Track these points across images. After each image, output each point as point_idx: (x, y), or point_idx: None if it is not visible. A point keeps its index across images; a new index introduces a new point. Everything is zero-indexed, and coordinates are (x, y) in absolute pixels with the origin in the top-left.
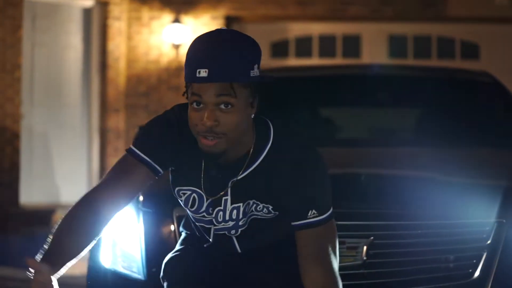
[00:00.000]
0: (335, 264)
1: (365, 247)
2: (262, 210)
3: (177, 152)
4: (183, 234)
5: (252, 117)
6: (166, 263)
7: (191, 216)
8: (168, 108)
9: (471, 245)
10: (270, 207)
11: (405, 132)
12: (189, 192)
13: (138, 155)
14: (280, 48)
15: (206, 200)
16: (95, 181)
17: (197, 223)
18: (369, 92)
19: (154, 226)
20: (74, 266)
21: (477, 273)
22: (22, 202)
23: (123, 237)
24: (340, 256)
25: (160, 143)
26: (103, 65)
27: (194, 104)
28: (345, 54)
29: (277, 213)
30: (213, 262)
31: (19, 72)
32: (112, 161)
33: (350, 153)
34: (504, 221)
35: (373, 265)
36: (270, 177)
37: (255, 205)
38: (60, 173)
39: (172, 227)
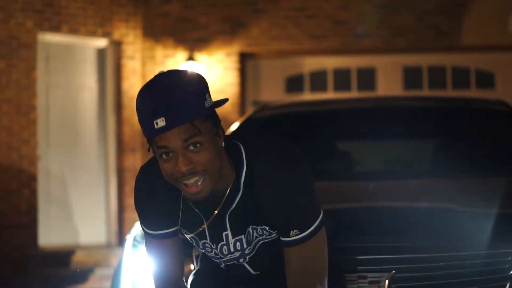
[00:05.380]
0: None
1: (387, 282)
2: (263, 232)
3: (170, 208)
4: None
5: (223, 145)
6: (191, 284)
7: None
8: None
9: (493, 276)
10: (267, 228)
11: (423, 163)
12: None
13: (154, 234)
14: (295, 83)
15: (200, 241)
16: (114, 221)
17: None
18: (385, 124)
19: None
20: None
21: None
22: (41, 244)
23: (142, 277)
24: None
25: (156, 213)
26: (119, 105)
27: (163, 155)
28: (360, 87)
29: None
30: (232, 283)
31: (34, 114)
32: (131, 201)
33: (368, 186)
34: None
35: None
36: (256, 199)
37: (254, 231)
38: (78, 214)
39: (192, 266)
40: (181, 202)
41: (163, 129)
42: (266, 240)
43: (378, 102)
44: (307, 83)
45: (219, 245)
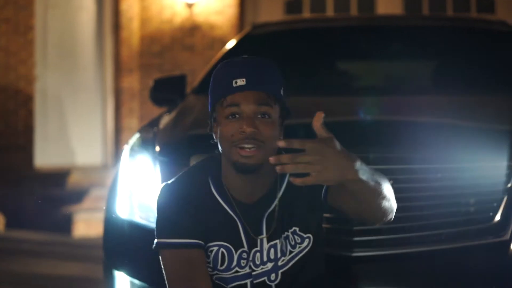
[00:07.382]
0: None
1: None
2: (295, 240)
3: (199, 216)
4: None
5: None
6: None
7: (223, 282)
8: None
9: (491, 189)
10: (297, 229)
11: (423, 81)
12: (216, 248)
13: (180, 243)
14: (294, 4)
15: (236, 252)
16: (110, 142)
17: (229, 286)
18: (385, 43)
19: (171, 175)
20: (89, 227)
21: (497, 217)
22: (37, 164)
23: (140, 188)
24: None
25: (185, 218)
26: (116, 26)
27: (230, 116)
28: (360, 9)
29: (310, 235)
30: None
31: (32, 34)
32: (128, 122)
33: (367, 100)
34: None
35: None
36: (295, 198)
37: (287, 239)
38: (74, 135)
39: None
40: (219, 206)
41: (241, 88)
42: (299, 256)
43: (380, 21)
44: (306, 5)
45: (252, 252)
